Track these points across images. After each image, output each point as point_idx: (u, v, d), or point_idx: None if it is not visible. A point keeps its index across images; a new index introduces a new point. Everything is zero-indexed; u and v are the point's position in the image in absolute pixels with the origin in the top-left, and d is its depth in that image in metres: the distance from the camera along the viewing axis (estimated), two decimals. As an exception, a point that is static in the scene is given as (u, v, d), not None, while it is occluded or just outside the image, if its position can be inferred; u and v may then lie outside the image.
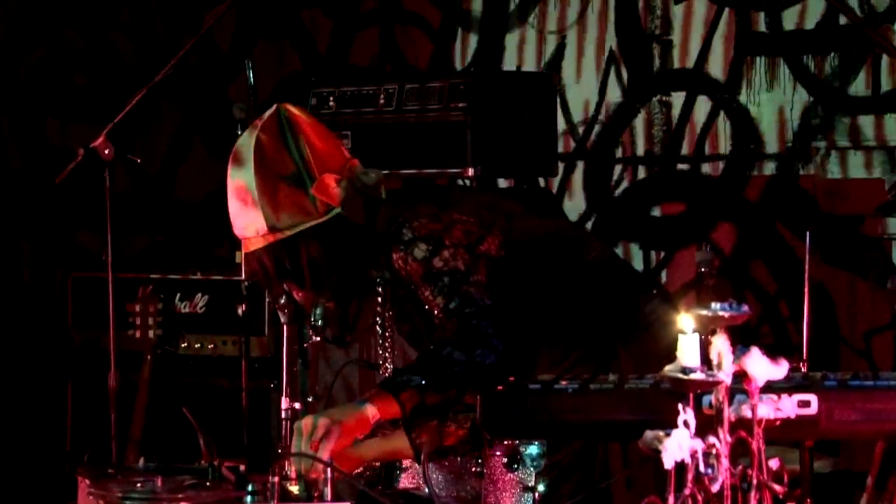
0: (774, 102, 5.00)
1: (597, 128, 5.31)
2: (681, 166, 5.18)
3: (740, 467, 2.14)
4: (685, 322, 2.11)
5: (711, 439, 2.11)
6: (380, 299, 3.05)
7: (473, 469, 3.25)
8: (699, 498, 2.08)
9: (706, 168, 5.14)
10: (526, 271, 3.00)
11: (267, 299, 4.54)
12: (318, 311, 3.02)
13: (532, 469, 3.20)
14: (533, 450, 3.20)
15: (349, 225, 2.96)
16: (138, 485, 2.59)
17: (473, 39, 5.53)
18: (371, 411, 2.76)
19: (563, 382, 2.50)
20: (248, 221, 2.94)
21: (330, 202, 2.94)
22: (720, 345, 2.13)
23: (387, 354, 3.14)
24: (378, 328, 3.10)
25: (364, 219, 2.98)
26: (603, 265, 3.12)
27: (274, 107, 2.99)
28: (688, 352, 2.12)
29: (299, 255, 2.93)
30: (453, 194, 3.07)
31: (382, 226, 2.97)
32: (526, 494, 3.18)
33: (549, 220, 3.31)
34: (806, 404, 2.31)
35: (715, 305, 2.13)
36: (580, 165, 5.34)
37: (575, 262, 3.07)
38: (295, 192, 2.92)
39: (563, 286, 3.04)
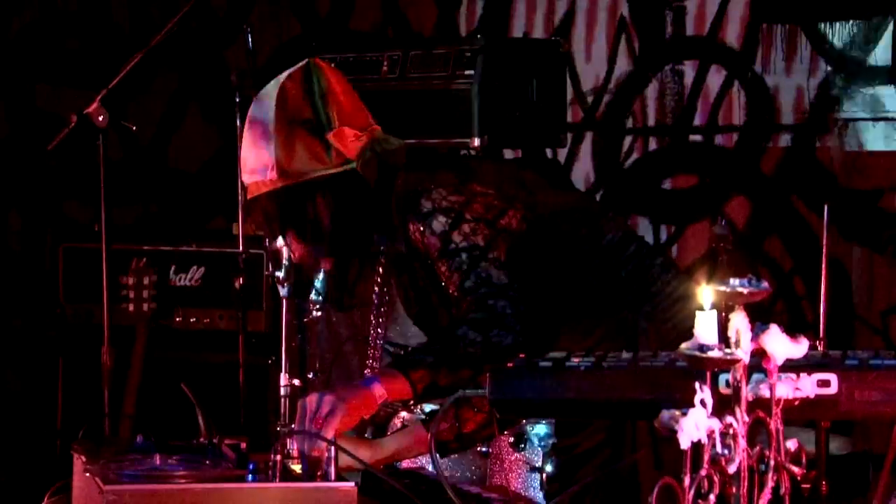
0: (791, 72, 4.94)
1: (606, 97, 5.27)
2: (693, 137, 5.15)
3: (757, 448, 2.10)
4: (705, 296, 2.06)
5: (728, 419, 2.06)
6: (379, 277, 2.95)
7: (479, 449, 3.20)
8: (715, 479, 2.04)
9: (719, 139, 5.10)
10: (547, 246, 2.93)
11: (265, 272, 4.50)
12: (318, 284, 2.94)
13: (540, 449, 3.14)
14: (541, 429, 3.14)
15: (362, 183, 2.90)
16: (137, 462, 2.52)
17: (479, 5, 5.49)
18: (378, 390, 2.70)
19: (575, 360, 2.41)
20: (260, 163, 2.90)
21: (346, 154, 2.88)
22: (738, 322, 2.08)
23: (380, 331, 3.06)
24: (374, 301, 3.01)
25: (377, 181, 2.91)
26: (624, 240, 3.05)
27: (305, 60, 2.98)
28: (705, 329, 2.07)
29: (305, 204, 2.89)
30: (474, 163, 2.98)
31: (400, 194, 2.90)
32: (532, 474, 3.13)
33: (571, 193, 3.24)
34: (826, 384, 2.23)
35: (734, 281, 2.08)
36: (589, 136, 5.32)
37: (596, 238, 3.01)
38: (312, 139, 2.89)
39: (585, 261, 2.98)
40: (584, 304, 2.95)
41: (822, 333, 3.20)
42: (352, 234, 2.93)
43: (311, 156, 2.88)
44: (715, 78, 5.07)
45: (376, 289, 3.01)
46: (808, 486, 3.06)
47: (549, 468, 3.12)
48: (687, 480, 2.03)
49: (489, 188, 2.90)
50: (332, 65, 3.03)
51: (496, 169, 3.05)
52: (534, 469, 3.15)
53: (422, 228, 2.86)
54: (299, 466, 2.54)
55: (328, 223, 2.90)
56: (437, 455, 2.80)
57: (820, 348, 2.78)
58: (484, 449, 3.23)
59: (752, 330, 2.09)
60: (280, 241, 2.88)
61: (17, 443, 5.24)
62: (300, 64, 2.96)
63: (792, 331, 2.13)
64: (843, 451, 4.13)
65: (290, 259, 2.89)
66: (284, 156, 2.87)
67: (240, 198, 4.34)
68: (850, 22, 4.84)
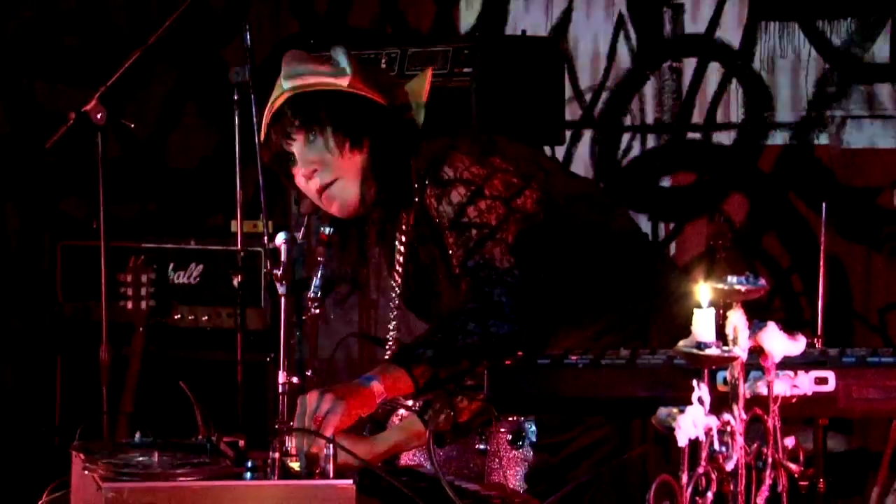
0: (789, 69, 4.93)
1: (605, 95, 5.26)
2: (691, 135, 5.14)
3: (755, 445, 2.11)
4: (703, 293, 2.06)
5: (726, 416, 2.06)
6: (400, 256, 2.94)
7: (477, 446, 3.20)
8: (713, 476, 2.05)
9: (718, 137, 5.09)
10: (558, 230, 2.91)
11: (264, 270, 4.49)
12: (316, 282, 2.95)
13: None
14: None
15: (409, 131, 2.92)
16: (135, 460, 2.52)
17: (477, 2, 5.47)
18: (377, 388, 2.68)
19: (573, 357, 2.42)
20: (329, 70, 2.91)
21: (397, 102, 2.91)
22: (736, 319, 2.09)
23: (390, 327, 3.05)
24: (394, 301, 3.01)
25: (405, 145, 2.92)
26: (631, 233, 3.05)
27: None
28: (703, 326, 2.07)
29: (352, 112, 2.88)
30: (497, 139, 2.96)
31: (422, 157, 2.89)
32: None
33: (583, 179, 3.22)
34: (823, 381, 2.25)
35: (731, 279, 2.09)
36: (588, 134, 5.31)
37: (605, 226, 2.99)
38: (379, 74, 2.96)
39: (594, 249, 2.96)
40: (590, 294, 2.94)
41: (819, 331, 3.19)
42: (384, 163, 2.91)
43: (376, 85, 2.91)
44: (713, 75, 5.07)
45: (398, 279, 3.00)
46: (805, 483, 3.06)
47: (533, 465, 3.12)
48: (685, 478, 2.03)
49: (510, 164, 2.89)
50: None
51: (515, 146, 3.03)
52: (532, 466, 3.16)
53: (438, 194, 2.84)
54: (298, 464, 2.53)
55: (362, 132, 2.89)
56: (435, 447, 2.79)
57: (818, 346, 2.78)
58: (482, 446, 3.22)
59: (750, 327, 2.09)
60: (279, 239, 2.86)
61: (15, 440, 5.23)
62: None
63: (790, 328, 2.13)
64: (842, 448, 4.14)
65: (288, 256, 2.88)
66: (354, 69, 2.89)
67: (238, 195, 4.34)
68: (849, 19, 4.83)
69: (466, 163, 2.85)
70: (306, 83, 2.90)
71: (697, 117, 5.10)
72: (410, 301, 3.06)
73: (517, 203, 2.85)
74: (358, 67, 2.91)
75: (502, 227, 2.81)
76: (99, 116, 3.86)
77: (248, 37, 4.23)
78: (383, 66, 4.50)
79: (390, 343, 3.10)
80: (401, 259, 3.00)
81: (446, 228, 2.84)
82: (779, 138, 4.96)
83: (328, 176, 2.90)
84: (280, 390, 2.77)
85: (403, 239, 2.98)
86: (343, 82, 2.89)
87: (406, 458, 3.15)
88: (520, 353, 2.53)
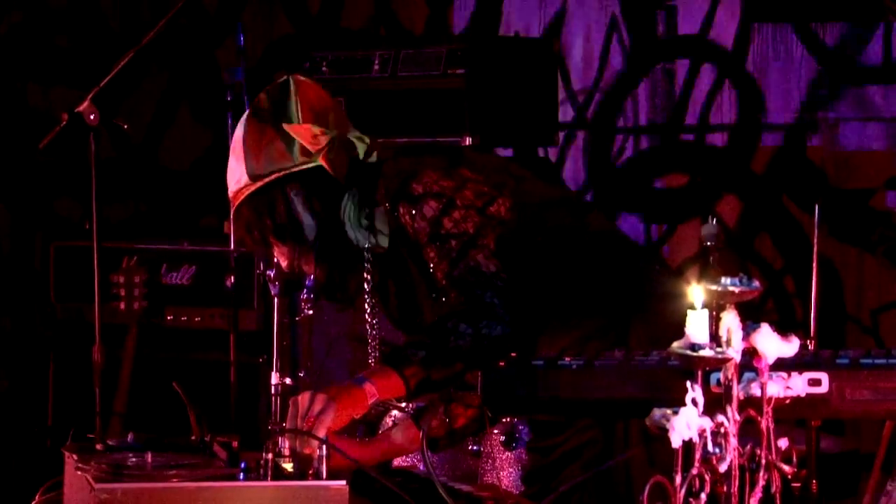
0: (782, 71, 4.93)
1: (598, 96, 5.25)
2: (684, 137, 5.13)
3: (748, 447, 2.11)
4: (696, 295, 2.06)
5: (720, 418, 2.07)
6: (367, 275, 2.94)
7: (471, 448, 3.19)
8: (706, 478, 2.05)
9: (711, 139, 5.09)
10: (534, 236, 2.92)
11: (257, 271, 4.50)
12: (309, 283, 2.98)
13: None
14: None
15: (329, 179, 2.90)
16: (128, 461, 2.52)
17: (471, 3, 5.46)
18: (369, 389, 2.69)
19: (568, 359, 2.42)
20: (236, 174, 2.94)
21: (310, 149, 2.89)
22: (730, 321, 2.09)
23: (374, 332, 3.05)
24: (367, 304, 3.00)
25: (348, 176, 2.92)
26: (609, 236, 3.06)
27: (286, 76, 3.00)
28: (696, 328, 2.08)
29: (277, 204, 2.90)
30: (461, 151, 2.98)
31: (389, 178, 2.90)
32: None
33: (556, 186, 3.23)
34: (817, 383, 2.26)
35: (725, 280, 2.10)
36: (581, 135, 5.29)
37: (582, 231, 2.99)
38: (278, 139, 2.90)
39: (572, 254, 2.96)
40: (572, 298, 2.93)
41: (812, 332, 3.19)
42: (331, 231, 2.92)
43: (277, 154, 2.89)
44: (706, 77, 5.06)
45: (367, 286, 3.00)
46: (798, 484, 3.06)
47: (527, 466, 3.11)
48: (678, 479, 2.03)
49: (478, 174, 2.89)
50: (309, 77, 3.05)
51: (483, 157, 3.05)
52: (525, 467, 3.15)
53: (413, 212, 2.85)
54: (291, 465, 2.53)
55: (304, 220, 2.90)
56: (429, 453, 2.79)
57: (811, 347, 2.78)
58: (476, 448, 3.22)
59: (744, 329, 2.09)
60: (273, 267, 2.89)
61: (8, 441, 5.21)
62: (281, 78, 2.99)
63: (783, 330, 2.13)
64: (835, 449, 4.14)
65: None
66: (253, 159, 2.89)
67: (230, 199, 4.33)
68: (842, 22, 4.84)
69: (434, 177, 2.86)
70: (232, 196, 2.95)
71: (690, 119, 5.10)
72: (399, 321, 3.07)
73: (491, 211, 2.86)
74: (252, 151, 2.91)
75: (481, 233, 2.82)
76: (91, 117, 3.84)
77: (242, 38, 4.23)
78: (376, 67, 4.50)
79: (385, 346, 3.10)
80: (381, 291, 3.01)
81: (425, 245, 2.85)
82: (771, 140, 4.96)
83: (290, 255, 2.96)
84: (273, 391, 2.77)
85: (369, 278, 2.99)
86: (245, 181, 2.91)
87: (399, 459, 3.15)
88: (513, 355, 2.54)
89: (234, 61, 4.28)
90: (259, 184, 2.89)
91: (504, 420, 3.15)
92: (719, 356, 2.07)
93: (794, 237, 4.88)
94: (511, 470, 3.23)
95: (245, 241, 3.02)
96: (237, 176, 2.93)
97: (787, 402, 2.16)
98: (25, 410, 5.16)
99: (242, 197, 2.92)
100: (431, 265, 2.86)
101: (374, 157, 2.94)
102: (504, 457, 3.21)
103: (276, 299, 2.84)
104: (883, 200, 4.76)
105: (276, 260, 2.99)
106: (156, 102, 5.74)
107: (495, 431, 3.20)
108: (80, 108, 3.84)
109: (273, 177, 2.89)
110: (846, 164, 4.83)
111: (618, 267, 2.98)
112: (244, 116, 2.98)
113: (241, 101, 4.21)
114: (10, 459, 5.14)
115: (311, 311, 3.01)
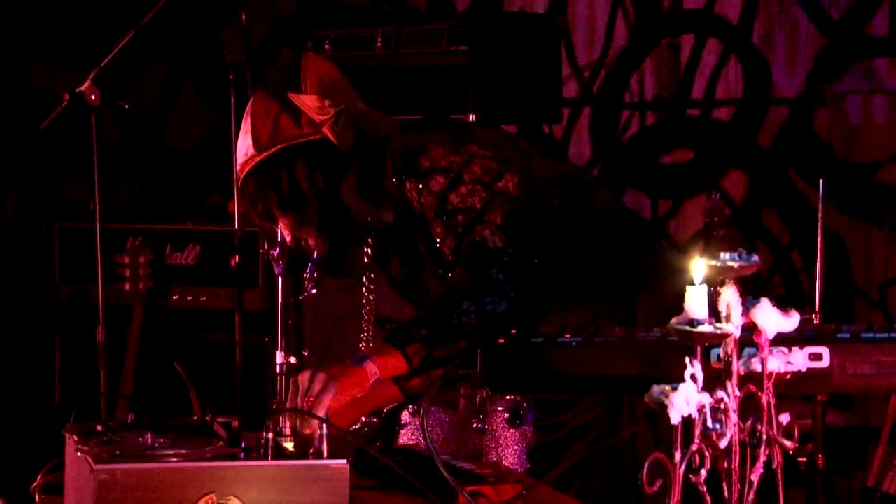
0: (788, 44, 4.90)
1: (603, 72, 5.23)
2: (690, 112, 5.11)
3: (749, 422, 2.09)
4: (696, 270, 2.05)
5: (720, 394, 2.06)
6: (369, 249, 2.94)
7: (475, 425, 3.18)
8: (707, 454, 2.03)
9: (717, 113, 5.06)
10: (542, 212, 2.92)
11: (261, 250, 4.50)
12: (312, 261, 2.97)
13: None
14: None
15: (334, 152, 2.89)
16: (128, 441, 2.52)
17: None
18: (371, 368, 2.69)
19: (567, 336, 2.41)
20: (243, 147, 2.93)
21: (315, 120, 2.88)
22: (729, 296, 2.07)
23: (369, 307, 3.05)
24: (365, 278, 3.01)
25: (353, 149, 2.91)
26: (616, 212, 3.05)
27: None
28: (696, 303, 2.06)
29: (280, 177, 2.89)
30: (469, 126, 2.96)
31: (396, 152, 2.90)
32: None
33: (562, 162, 3.22)
34: (818, 357, 2.25)
35: (724, 255, 2.08)
36: (586, 111, 5.28)
37: (589, 207, 2.99)
38: (284, 111, 2.89)
39: (580, 230, 2.96)
40: (579, 275, 2.93)
41: (817, 307, 3.18)
42: (334, 204, 2.92)
43: (284, 126, 2.88)
44: (712, 51, 5.04)
45: (366, 260, 2.99)
46: (804, 459, 3.05)
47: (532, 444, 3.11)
48: (678, 455, 2.02)
49: (486, 150, 2.89)
50: (326, 57, 3.05)
51: (490, 132, 3.03)
52: (529, 445, 3.15)
53: (420, 186, 2.85)
54: (292, 444, 2.53)
55: (307, 193, 2.90)
56: (430, 431, 2.79)
57: (816, 322, 2.77)
58: (480, 426, 3.21)
59: (744, 304, 2.08)
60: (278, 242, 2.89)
61: (13, 422, 5.23)
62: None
63: (790, 305, 2.12)
64: (842, 424, 4.13)
65: (284, 237, 2.89)
66: (260, 131, 2.89)
67: (235, 176, 4.33)
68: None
69: (442, 152, 2.86)
70: (239, 168, 2.95)
71: (696, 94, 5.08)
72: (404, 293, 3.06)
73: (499, 186, 2.85)
74: (259, 123, 2.91)
75: (488, 209, 2.81)
76: (93, 97, 3.85)
77: (244, 16, 4.21)
78: (379, 45, 4.48)
79: (388, 324, 3.10)
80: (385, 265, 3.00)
81: (432, 219, 2.85)
82: (778, 114, 4.94)
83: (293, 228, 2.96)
84: (278, 370, 2.77)
85: (370, 252, 2.99)
86: (251, 152, 2.91)
87: (403, 438, 3.14)
88: (513, 332, 2.53)
89: (238, 40, 4.26)
90: (264, 155, 2.89)
91: (508, 398, 3.15)
92: (718, 332, 2.05)
93: (801, 212, 4.87)
94: (516, 447, 3.22)
95: (250, 216, 3.02)
96: (244, 149, 2.93)
97: (788, 377, 2.14)
98: (32, 391, 5.16)
99: (248, 168, 2.92)
100: (438, 240, 2.86)
101: (381, 133, 2.93)
102: (508, 434, 3.20)
103: (280, 278, 2.85)
104: (890, 173, 4.74)
105: (279, 238, 2.98)
106: (161, 82, 5.74)
107: (499, 409, 3.19)
108: (81, 89, 3.85)
109: (278, 147, 2.89)
110: (852, 137, 4.81)
111: (625, 243, 2.98)
112: (256, 91, 2.98)
113: (243, 81, 4.20)
114: (16, 440, 5.16)
115: (314, 291, 3.00)
